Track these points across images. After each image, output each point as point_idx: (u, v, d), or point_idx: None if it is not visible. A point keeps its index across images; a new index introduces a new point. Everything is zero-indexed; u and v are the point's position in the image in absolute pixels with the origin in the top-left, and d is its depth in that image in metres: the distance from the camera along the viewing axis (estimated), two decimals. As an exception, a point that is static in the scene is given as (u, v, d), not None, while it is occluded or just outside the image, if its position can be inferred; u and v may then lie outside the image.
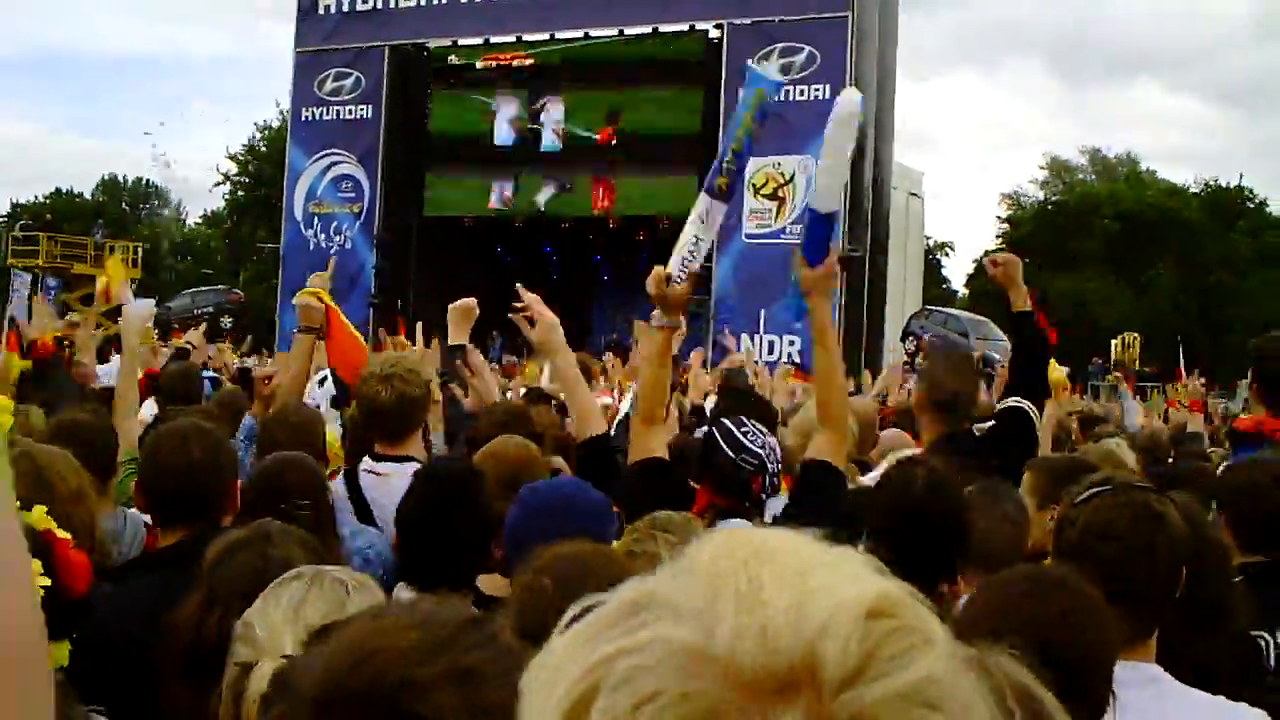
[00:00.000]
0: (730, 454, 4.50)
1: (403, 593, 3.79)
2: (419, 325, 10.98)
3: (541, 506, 3.56)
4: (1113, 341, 42.99)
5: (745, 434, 4.57)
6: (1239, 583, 3.97)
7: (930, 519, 3.73)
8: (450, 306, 6.39)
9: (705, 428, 4.75)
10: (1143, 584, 2.91)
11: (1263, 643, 4.04)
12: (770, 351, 31.23)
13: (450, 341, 6.42)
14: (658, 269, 5.21)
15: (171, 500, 3.86)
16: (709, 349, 23.97)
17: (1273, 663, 4.06)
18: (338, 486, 5.02)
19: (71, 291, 42.21)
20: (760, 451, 4.53)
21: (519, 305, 5.60)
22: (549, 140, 36.81)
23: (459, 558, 3.74)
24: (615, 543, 3.34)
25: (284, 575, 2.35)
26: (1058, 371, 13.10)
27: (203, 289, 49.29)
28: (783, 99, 29.28)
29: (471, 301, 6.19)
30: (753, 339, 32.05)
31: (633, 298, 39.70)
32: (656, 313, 4.99)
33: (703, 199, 5.64)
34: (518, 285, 5.73)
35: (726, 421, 4.66)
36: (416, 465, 5.18)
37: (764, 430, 4.71)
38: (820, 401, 4.90)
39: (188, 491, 3.83)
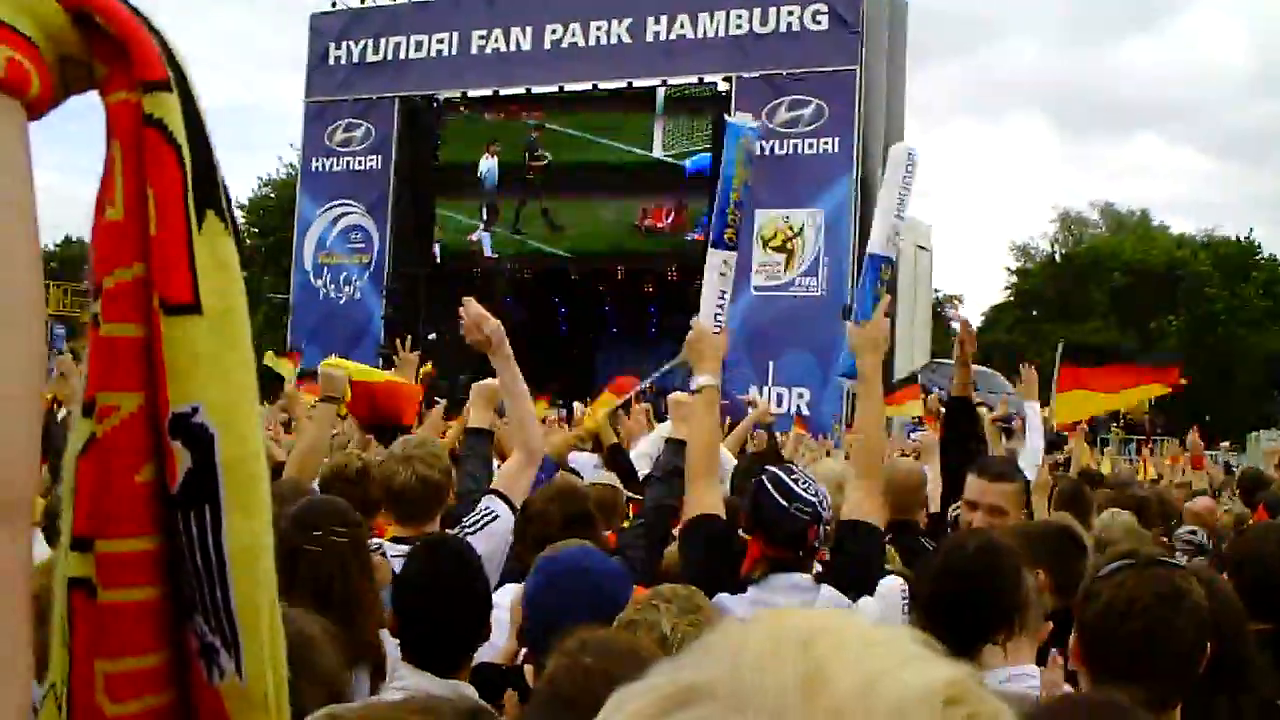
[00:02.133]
0: (783, 503, 4.42)
1: (400, 669, 3.78)
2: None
3: (561, 575, 3.54)
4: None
5: (796, 481, 4.50)
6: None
7: (979, 584, 3.75)
8: (474, 387, 6.33)
9: (755, 477, 4.71)
10: (1166, 660, 2.92)
11: None
12: (779, 404, 31.18)
13: (471, 424, 6.35)
14: (698, 325, 5.34)
15: None
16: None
17: None
18: None
19: (78, 339, 42.29)
20: (813, 500, 4.46)
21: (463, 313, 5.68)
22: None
23: (455, 636, 3.71)
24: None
25: None
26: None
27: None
28: (791, 151, 29.54)
29: (495, 384, 6.14)
30: (761, 391, 32.03)
31: (639, 348, 39.91)
32: (699, 378, 5.07)
33: (715, 254, 5.71)
34: (465, 299, 5.76)
35: (776, 470, 4.61)
36: None
37: (813, 478, 4.69)
38: (858, 453, 4.99)
39: None
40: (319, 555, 4.09)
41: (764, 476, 4.56)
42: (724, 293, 5.72)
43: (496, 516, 5.40)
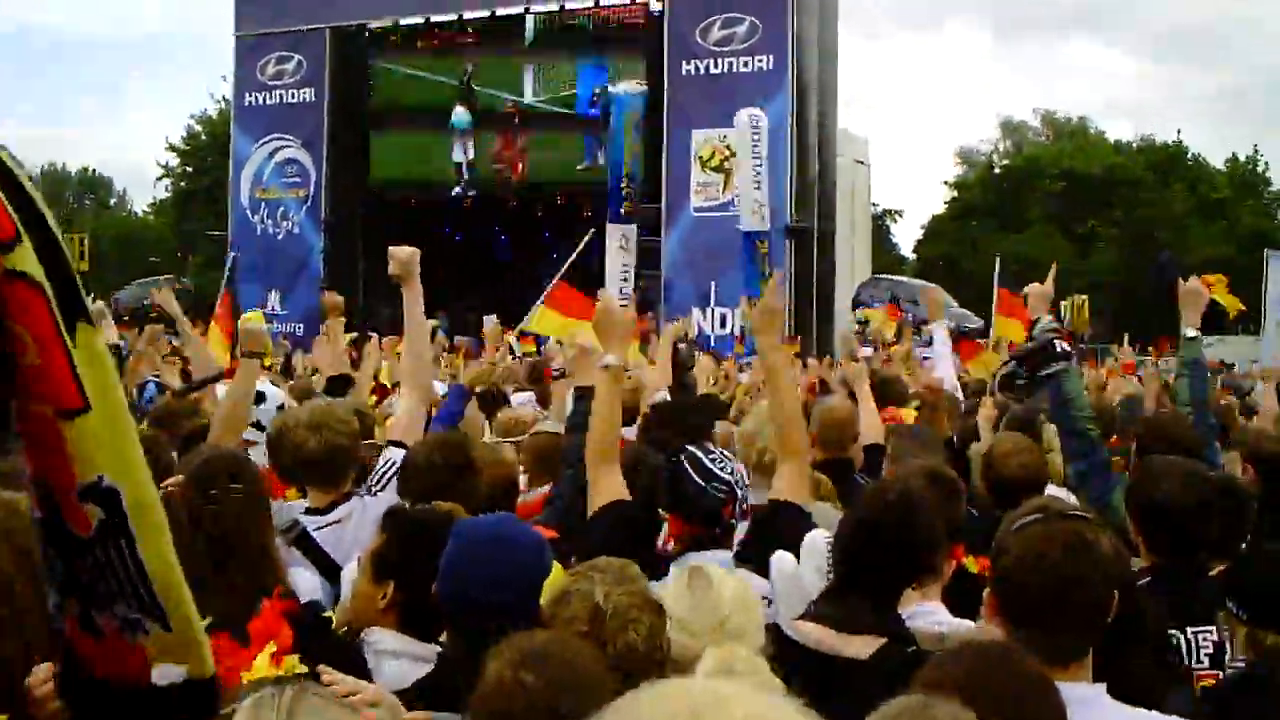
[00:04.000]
0: (700, 482, 4.53)
1: (376, 633, 3.82)
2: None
3: (477, 542, 3.51)
4: (1062, 304, 43.03)
5: (714, 461, 4.60)
6: (1144, 585, 4.19)
7: (898, 536, 3.88)
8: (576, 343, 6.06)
9: (671, 457, 4.74)
10: (1075, 611, 3.01)
11: (1174, 640, 4.26)
12: (722, 325, 31.29)
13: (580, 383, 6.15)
14: (605, 300, 5.35)
15: None
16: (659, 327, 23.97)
17: (1186, 657, 4.29)
18: (286, 551, 4.91)
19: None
20: (729, 479, 4.58)
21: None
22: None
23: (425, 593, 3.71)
24: (553, 581, 3.33)
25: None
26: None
27: (151, 279, 48.90)
28: (726, 70, 29.44)
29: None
30: (704, 312, 32.12)
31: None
32: (607, 356, 5.07)
33: (615, 230, 5.74)
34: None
35: (694, 449, 4.68)
36: (356, 499, 5.38)
37: (730, 456, 4.77)
38: (776, 434, 5.03)
39: None
40: (216, 513, 4.09)
41: (682, 456, 4.65)
42: (626, 265, 5.77)
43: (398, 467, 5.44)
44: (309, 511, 5.39)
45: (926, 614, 4.15)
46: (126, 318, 30.59)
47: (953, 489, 5.18)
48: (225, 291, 11.74)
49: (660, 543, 4.92)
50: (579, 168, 35.32)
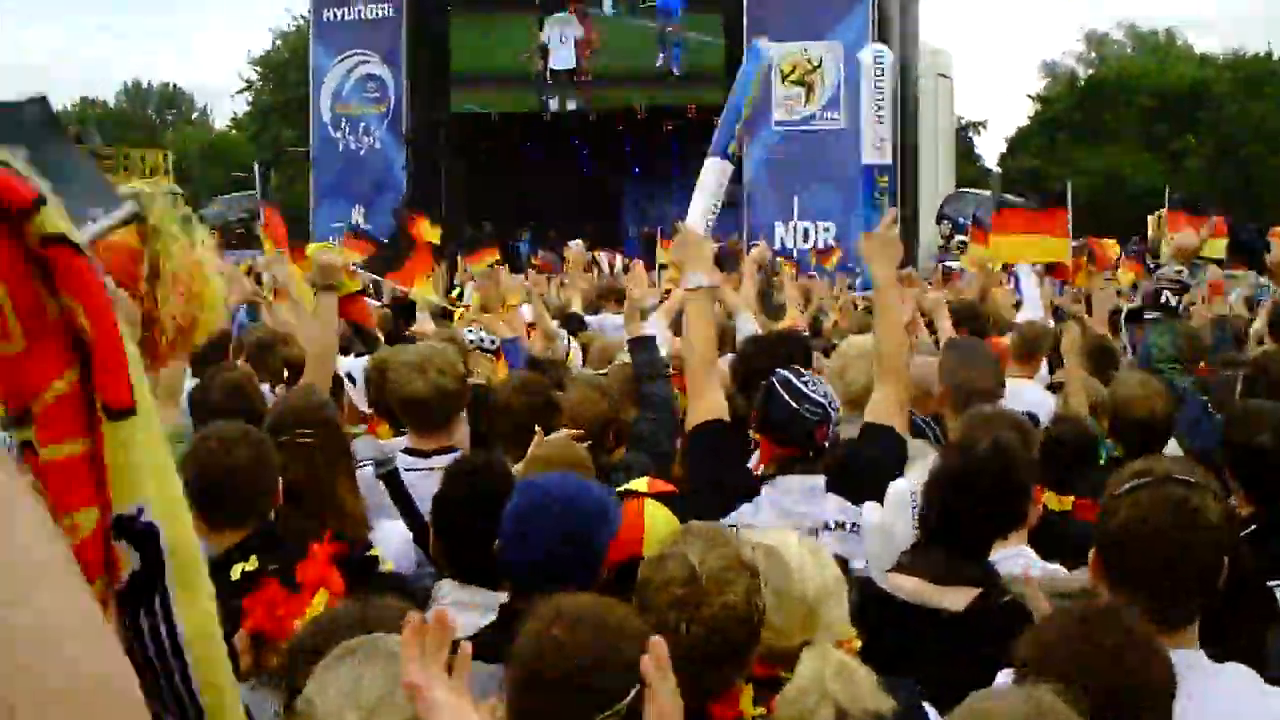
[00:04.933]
0: (793, 404, 4.53)
1: (444, 585, 3.90)
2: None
3: (537, 500, 3.51)
4: (1149, 218, 42.30)
5: (805, 383, 4.59)
6: (1245, 536, 4.05)
7: (991, 491, 3.85)
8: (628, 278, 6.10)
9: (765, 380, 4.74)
10: (1181, 578, 2.98)
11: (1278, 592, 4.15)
12: (805, 239, 31.19)
13: (633, 334, 6.22)
14: (683, 228, 5.35)
15: (218, 503, 3.86)
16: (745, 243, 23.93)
17: None
18: (371, 482, 4.90)
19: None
20: (822, 400, 4.56)
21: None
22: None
23: (488, 549, 3.75)
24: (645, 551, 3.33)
25: (337, 650, 2.42)
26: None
27: (235, 195, 49.29)
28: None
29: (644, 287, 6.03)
30: (786, 226, 31.99)
31: (663, 188, 39.71)
32: (693, 276, 5.04)
33: (715, 165, 5.75)
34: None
35: (785, 372, 4.68)
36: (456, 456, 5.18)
37: (821, 379, 4.77)
38: (880, 356, 5.03)
39: (235, 495, 3.90)
40: (285, 460, 4.13)
41: (774, 379, 4.64)
42: (717, 203, 5.76)
43: None
44: (408, 451, 5.33)
45: (1014, 558, 4.15)
46: (213, 232, 30.83)
47: (1029, 432, 5.18)
48: (265, 209, 10.87)
49: (753, 464, 4.93)
50: (656, 65, 35.30)
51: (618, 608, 2.66)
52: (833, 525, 4.45)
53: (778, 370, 4.72)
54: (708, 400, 4.81)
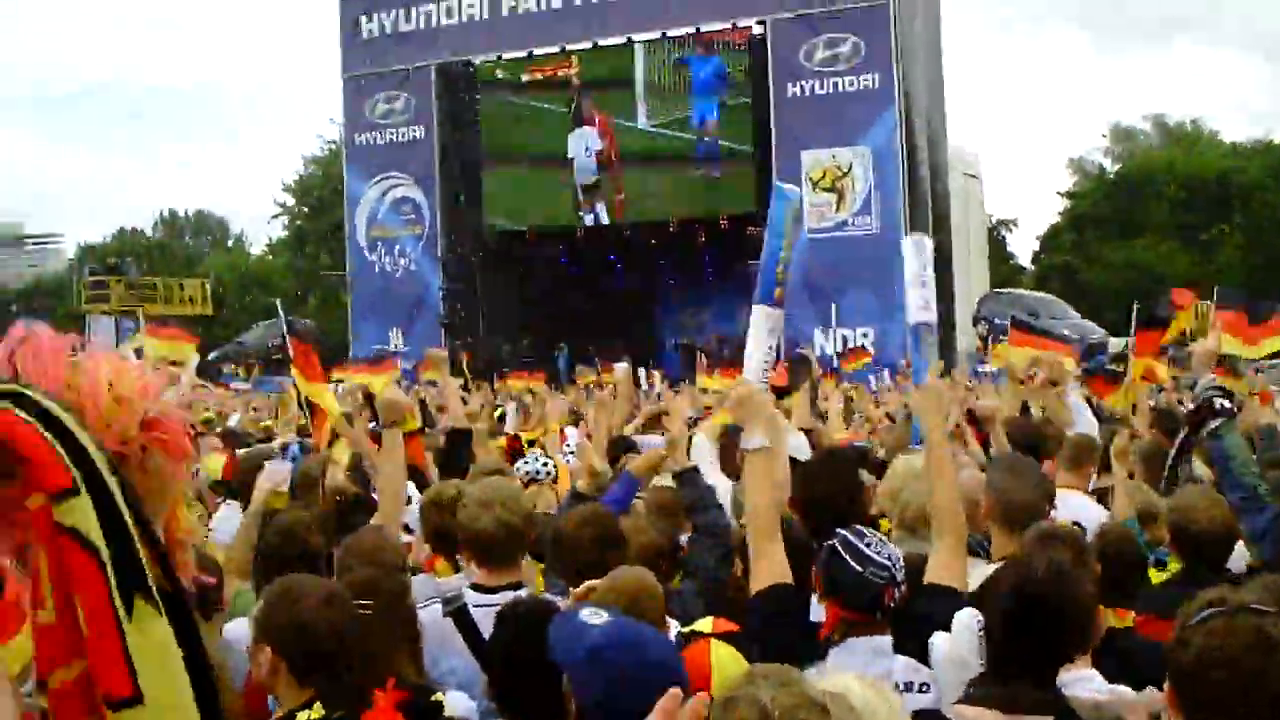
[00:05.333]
0: (858, 568, 4.45)
1: None
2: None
3: (621, 646, 3.40)
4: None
5: (868, 545, 4.52)
6: None
7: (1049, 608, 3.81)
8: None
9: (827, 542, 4.70)
10: (1258, 709, 2.95)
11: None
12: (843, 346, 31.23)
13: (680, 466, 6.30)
14: (744, 383, 5.37)
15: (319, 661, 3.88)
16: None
17: None
18: (438, 620, 4.85)
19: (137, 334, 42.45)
20: (887, 563, 4.51)
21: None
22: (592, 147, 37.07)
23: (548, 697, 3.73)
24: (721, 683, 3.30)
25: None
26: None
27: (273, 320, 49.77)
28: (832, 90, 29.46)
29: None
30: (825, 333, 32.07)
31: (697, 297, 39.89)
32: (754, 438, 4.99)
33: (764, 312, 5.80)
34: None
35: (847, 533, 4.62)
36: (525, 591, 5.18)
37: (884, 539, 4.71)
38: (937, 511, 5.00)
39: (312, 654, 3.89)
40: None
41: (835, 542, 4.53)
42: (771, 347, 5.80)
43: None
44: (475, 588, 5.28)
45: (1082, 681, 4.10)
46: (254, 360, 31.13)
47: (1085, 550, 5.15)
48: (291, 340, 10.79)
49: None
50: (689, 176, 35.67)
51: None
52: (901, 685, 4.39)
53: (839, 532, 4.63)
54: (770, 562, 4.74)
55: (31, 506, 1.12)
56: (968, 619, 4.17)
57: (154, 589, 1.16)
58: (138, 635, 1.14)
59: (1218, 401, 5.57)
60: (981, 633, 4.01)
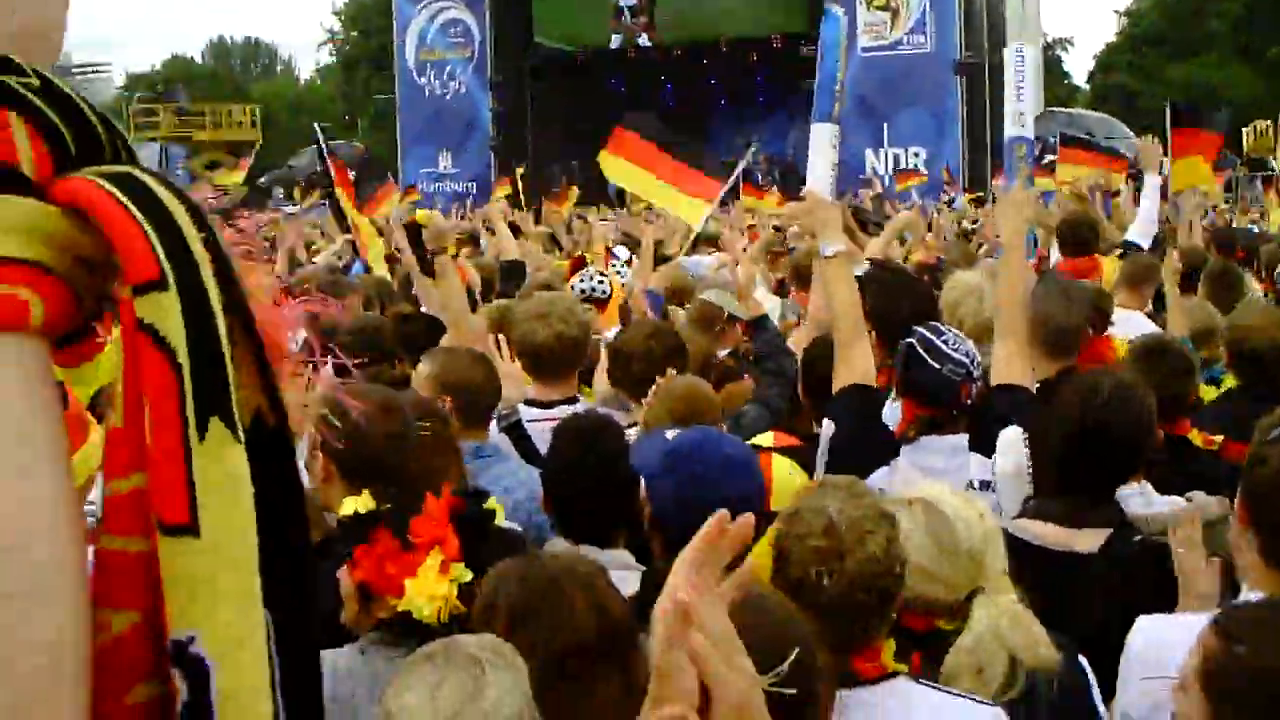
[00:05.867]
0: (935, 365, 4.47)
1: (556, 545, 3.84)
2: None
3: (699, 457, 3.59)
4: (1244, 130, 41.32)
5: (945, 341, 4.55)
6: None
7: (1112, 434, 3.82)
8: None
9: (904, 340, 4.70)
10: None
11: None
12: (896, 165, 30.98)
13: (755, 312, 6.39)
14: (812, 193, 5.41)
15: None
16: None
17: None
18: (495, 435, 4.89)
19: (197, 158, 42.63)
20: (965, 359, 4.50)
21: None
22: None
23: (605, 510, 3.74)
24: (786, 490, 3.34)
25: (415, 655, 2.44)
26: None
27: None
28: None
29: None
30: (877, 153, 31.80)
31: (749, 119, 39.54)
32: (829, 244, 5.02)
33: (823, 129, 5.81)
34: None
35: (924, 330, 4.63)
36: (579, 407, 5.16)
37: (961, 336, 4.72)
38: (1000, 312, 5.03)
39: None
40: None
41: (913, 339, 4.56)
42: (835, 164, 5.82)
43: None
44: (530, 403, 5.27)
45: (1134, 495, 4.12)
46: (302, 182, 31.09)
47: (1184, 366, 5.17)
48: (332, 161, 10.79)
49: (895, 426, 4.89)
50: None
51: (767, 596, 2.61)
52: (977, 485, 4.42)
53: (916, 330, 4.63)
54: (853, 364, 4.76)
55: (120, 297, 1.03)
56: (1014, 436, 4.22)
57: (237, 415, 1.05)
58: (207, 460, 1.03)
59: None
60: (1028, 448, 4.05)
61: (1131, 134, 39.24)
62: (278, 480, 1.09)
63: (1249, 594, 2.97)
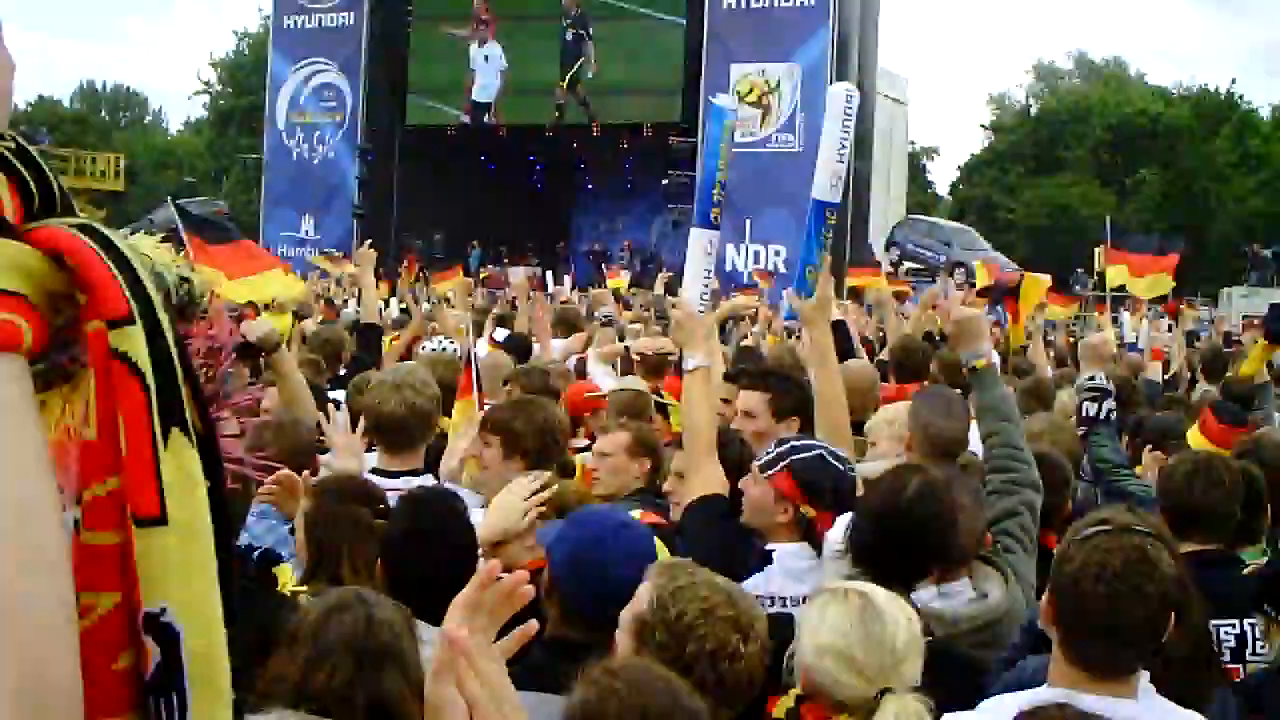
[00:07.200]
0: (839, 467, 4.54)
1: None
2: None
3: (602, 533, 3.62)
4: (1096, 250, 42.27)
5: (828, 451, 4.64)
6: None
7: (914, 526, 3.86)
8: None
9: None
10: (1130, 626, 3.03)
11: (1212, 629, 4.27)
12: (756, 261, 31.34)
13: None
14: (684, 304, 5.46)
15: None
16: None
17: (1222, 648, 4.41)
18: None
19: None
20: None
21: None
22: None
23: (441, 581, 3.70)
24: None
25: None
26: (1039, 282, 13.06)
27: (190, 200, 49.00)
28: (767, 5, 29.35)
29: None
30: (738, 249, 32.12)
31: (614, 205, 39.83)
32: (692, 357, 5.11)
33: (701, 235, 5.82)
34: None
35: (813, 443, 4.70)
36: (426, 479, 5.18)
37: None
38: (823, 415, 5.24)
39: None
40: None
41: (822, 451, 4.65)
42: (709, 271, 5.82)
43: None
44: (375, 472, 5.21)
45: (948, 594, 4.16)
46: (161, 236, 30.57)
47: (1060, 478, 5.39)
48: (188, 234, 10.81)
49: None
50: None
51: (655, 666, 2.69)
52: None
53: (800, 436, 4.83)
54: (706, 475, 4.78)
55: (89, 331, 1.23)
56: (846, 519, 4.23)
57: (189, 424, 1.28)
58: (171, 464, 1.26)
59: (1085, 407, 5.84)
60: (849, 534, 4.05)
61: (988, 246, 40.15)
62: (210, 476, 1.30)
63: (1050, 691, 3.05)
